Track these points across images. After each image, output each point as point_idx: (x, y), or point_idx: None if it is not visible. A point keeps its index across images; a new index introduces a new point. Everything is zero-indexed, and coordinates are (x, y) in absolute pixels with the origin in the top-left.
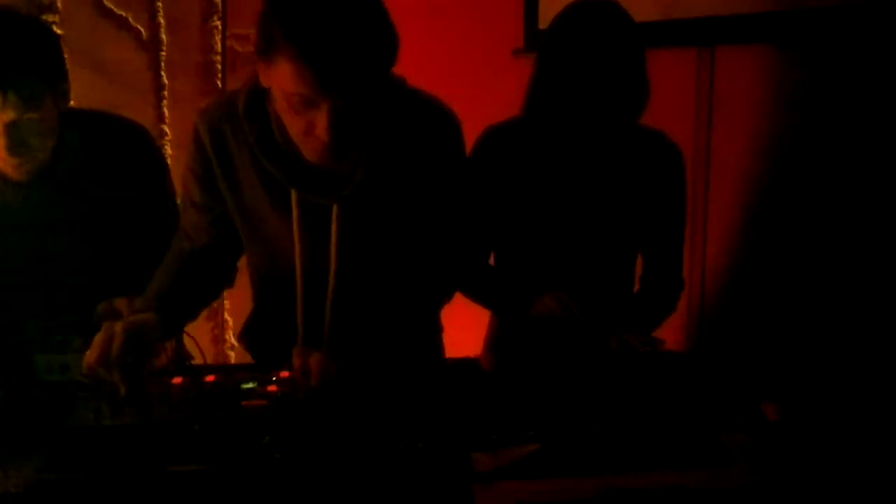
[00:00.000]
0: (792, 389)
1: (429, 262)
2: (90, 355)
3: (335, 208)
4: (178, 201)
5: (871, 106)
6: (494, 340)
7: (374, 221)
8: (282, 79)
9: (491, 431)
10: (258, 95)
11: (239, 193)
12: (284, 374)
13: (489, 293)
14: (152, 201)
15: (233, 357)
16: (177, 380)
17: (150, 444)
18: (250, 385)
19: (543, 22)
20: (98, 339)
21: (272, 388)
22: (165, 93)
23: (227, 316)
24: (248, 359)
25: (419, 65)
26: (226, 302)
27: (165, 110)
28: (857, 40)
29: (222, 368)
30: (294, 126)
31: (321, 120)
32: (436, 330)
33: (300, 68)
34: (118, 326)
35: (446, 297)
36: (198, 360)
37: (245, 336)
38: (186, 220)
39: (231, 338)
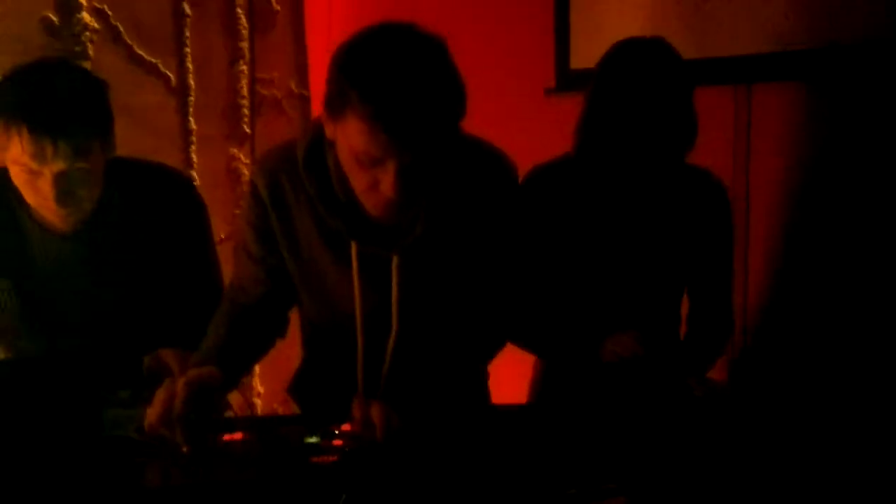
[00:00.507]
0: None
1: (487, 311)
2: (152, 414)
3: (395, 260)
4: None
5: None
6: (541, 386)
7: (434, 272)
8: (352, 136)
9: (567, 485)
10: (318, 146)
11: (296, 245)
12: (346, 426)
13: (545, 341)
14: (195, 252)
15: (259, 406)
16: (237, 435)
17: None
18: (314, 440)
19: (575, 61)
20: (159, 396)
21: (338, 442)
22: (193, 138)
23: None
24: (280, 408)
25: None
26: None
27: (193, 155)
28: (892, 76)
29: (267, 421)
30: (359, 181)
31: (387, 177)
32: (484, 378)
33: (372, 128)
34: (180, 383)
35: (501, 346)
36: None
37: (297, 387)
38: (241, 272)
39: (258, 384)
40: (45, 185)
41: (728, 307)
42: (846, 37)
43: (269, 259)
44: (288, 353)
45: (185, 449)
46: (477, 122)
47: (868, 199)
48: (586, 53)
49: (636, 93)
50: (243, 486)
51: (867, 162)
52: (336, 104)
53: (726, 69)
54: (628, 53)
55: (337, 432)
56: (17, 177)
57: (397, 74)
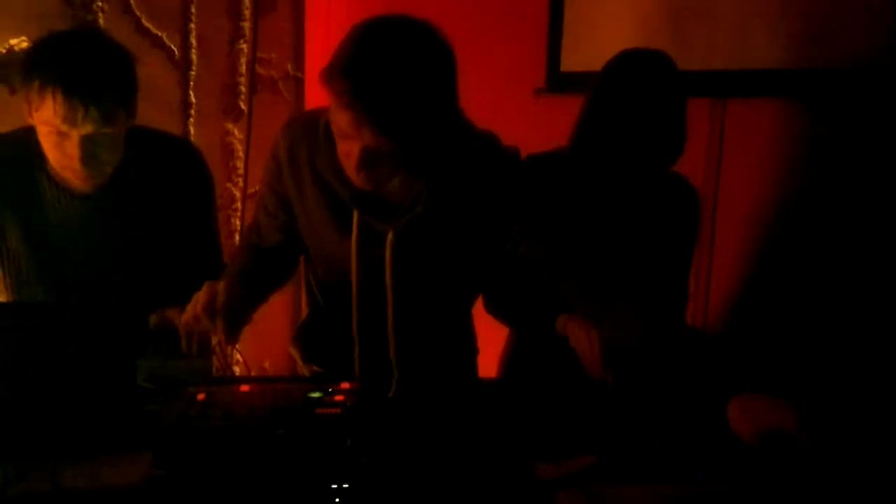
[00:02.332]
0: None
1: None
2: (193, 307)
3: (390, 235)
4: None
5: (875, 162)
6: (511, 359)
7: (427, 250)
8: (331, 107)
9: (549, 444)
10: None
11: (306, 207)
12: (345, 385)
13: (519, 314)
14: (200, 218)
15: (238, 371)
16: (244, 388)
17: (240, 446)
18: (317, 394)
19: (566, 64)
20: (200, 294)
21: (340, 397)
22: (192, 111)
23: None
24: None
25: None
26: None
27: (191, 128)
28: (862, 100)
29: (272, 379)
30: (339, 150)
31: (354, 152)
32: (473, 353)
33: (341, 102)
34: (222, 283)
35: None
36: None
37: (301, 337)
38: (259, 220)
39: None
40: (72, 147)
41: (684, 286)
42: (821, 58)
43: (282, 215)
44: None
45: (225, 339)
46: (468, 119)
47: (833, 215)
48: (577, 57)
49: (636, 102)
50: (253, 432)
51: (835, 179)
52: (325, 77)
53: (703, 83)
54: (631, 64)
55: (341, 388)
56: (46, 137)
57: (379, 59)
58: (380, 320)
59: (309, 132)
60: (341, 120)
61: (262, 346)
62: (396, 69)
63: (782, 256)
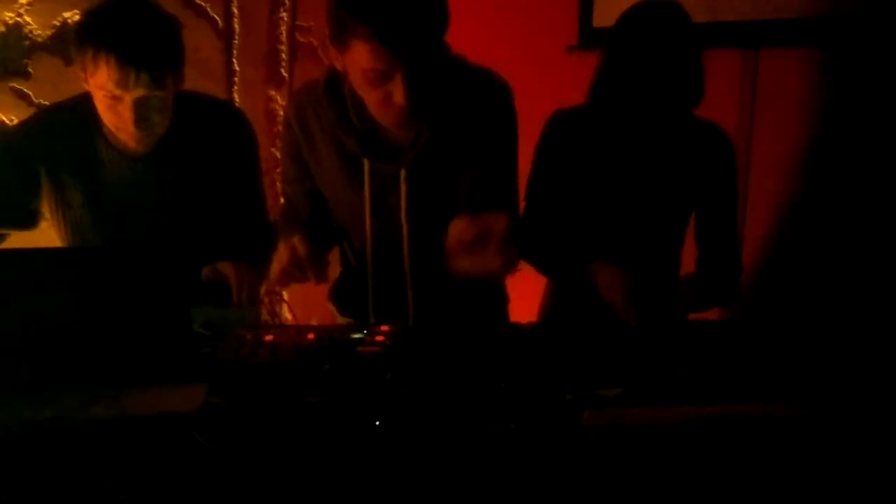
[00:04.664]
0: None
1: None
2: (281, 263)
3: (403, 172)
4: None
5: None
6: (547, 308)
7: (438, 184)
8: (359, 58)
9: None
10: (335, 80)
11: (321, 168)
12: (385, 327)
13: (551, 258)
14: (246, 177)
15: None
16: (291, 331)
17: (285, 380)
18: (359, 335)
19: (598, 20)
20: (280, 253)
21: (380, 338)
22: (236, 79)
23: None
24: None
25: (475, 59)
26: None
27: (235, 95)
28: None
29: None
30: (373, 99)
31: (397, 87)
32: (502, 300)
33: (374, 45)
34: (295, 238)
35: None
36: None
37: (336, 293)
38: (288, 194)
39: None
40: (126, 109)
41: (735, 250)
42: (853, 7)
43: (307, 181)
44: None
45: (318, 279)
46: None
47: (868, 165)
48: (609, 12)
49: (649, 49)
50: (297, 367)
51: (869, 129)
52: (340, 38)
53: (735, 33)
54: (644, 14)
55: (383, 330)
56: (101, 101)
57: None
58: (397, 267)
59: (311, 94)
60: (375, 61)
61: (310, 304)
62: None
63: (817, 208)
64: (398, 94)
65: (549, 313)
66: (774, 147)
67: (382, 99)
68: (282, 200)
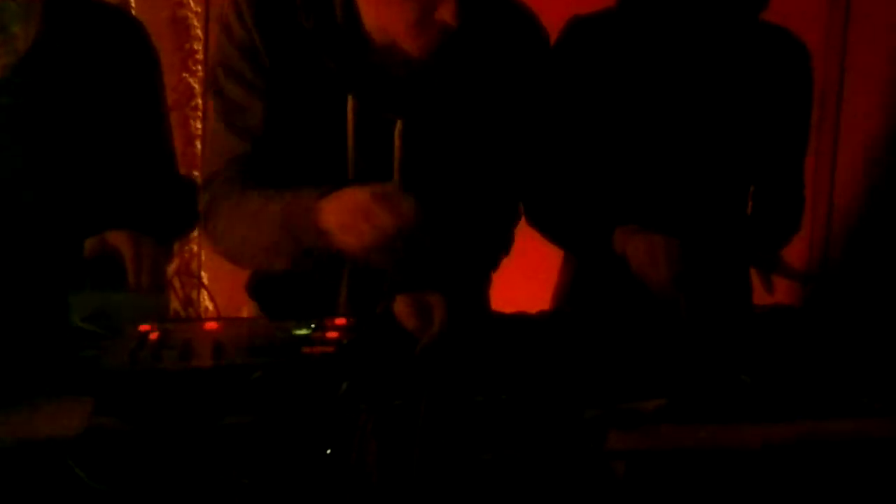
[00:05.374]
0: None
1: (499, 191)
2: (377, 231)
3: (399, 124)
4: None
5: None
6: (569, 291)
7: (441, 142)
8: None
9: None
10: None
11: (282, 91)
12: (340, 320)
13: (568, 223)
14: (146, 110)
15: None
16: (211, 325)
17: (201, 392)
18: (304, 331)
19: None
20: (377, 208)
21: (333, 334)
22: None
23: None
24: None
25: None
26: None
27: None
28: None
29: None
30: (405, 15)
31: (448, 2)
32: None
33: None
34: (401, 192)
35: (507, 247)
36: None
37: (258, 286)
38: (239, 102)
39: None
40: None
41: (799, 182)
42: None
43: (265, 84)
44: None
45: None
46: None
47: None
48: None
49: None
50: (218, 376)
51: None
52: None
53: None
54: None
55: (336, 324)
56: None
57: None
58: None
59: None
60: None
61: (237, 289)
62: None
63: None
64: (448, 10)
65: (566, 298)
66: (870, 74)
67: (418, 18)
68: (199, 147)
